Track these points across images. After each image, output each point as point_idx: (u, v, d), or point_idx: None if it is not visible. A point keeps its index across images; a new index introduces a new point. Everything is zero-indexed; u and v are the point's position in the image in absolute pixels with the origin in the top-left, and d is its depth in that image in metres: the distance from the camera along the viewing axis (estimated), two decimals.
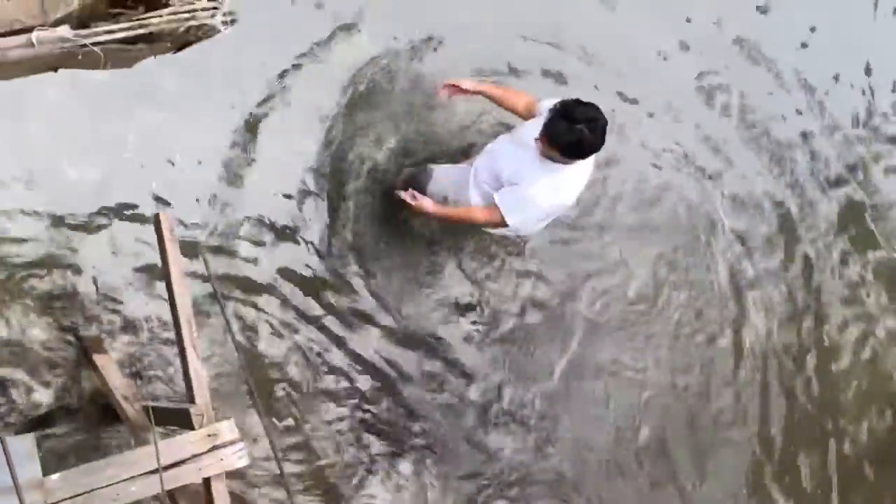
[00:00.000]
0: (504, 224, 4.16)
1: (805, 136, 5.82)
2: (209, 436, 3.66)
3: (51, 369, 4.00)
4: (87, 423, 4.02)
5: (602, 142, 3.92)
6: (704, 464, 5.40)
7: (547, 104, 4.05)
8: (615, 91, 5.28)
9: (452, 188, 4.39)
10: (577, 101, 3.91)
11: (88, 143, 4.16)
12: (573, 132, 3.82)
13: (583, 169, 4.11)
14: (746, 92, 5.68)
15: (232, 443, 3.70)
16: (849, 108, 5.95)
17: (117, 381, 3.97)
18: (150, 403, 3.81)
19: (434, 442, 4.84)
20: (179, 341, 3.83)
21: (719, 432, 5.47)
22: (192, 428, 3.67)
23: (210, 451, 3.64)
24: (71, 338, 4.08)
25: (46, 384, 3.95)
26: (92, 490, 3.37)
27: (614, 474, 5.23)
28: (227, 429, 3.72)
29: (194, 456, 3.60)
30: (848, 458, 5.72)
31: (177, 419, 3.78)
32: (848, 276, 5.83)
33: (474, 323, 4.98)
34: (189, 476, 3.60)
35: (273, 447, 3.61)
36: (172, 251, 3.85)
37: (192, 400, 3.77)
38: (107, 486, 3.41)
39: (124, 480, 3.46)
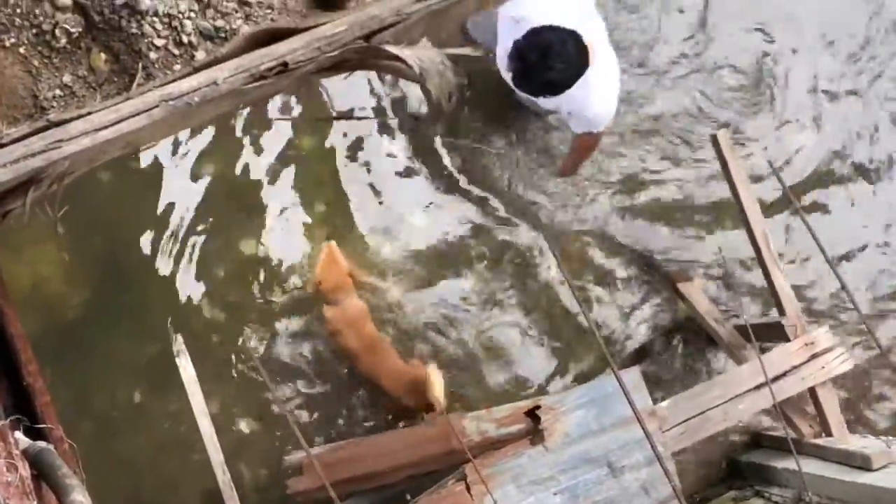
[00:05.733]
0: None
1: None
2: (806, 345, 3.61)
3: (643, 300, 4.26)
4: (682, 349, 4.18)
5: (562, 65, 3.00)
6: None
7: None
8: None
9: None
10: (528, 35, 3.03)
11: None
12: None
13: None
14: None
15: (831, 349, 3.61)
16: None
17: (706, 306, 4.07)
18: (741, 322, 3.83)
19: None
20: (760, 258, 3.81)
21: None
22: (786, 340, 3.64)
23: (810, 359, 3.60)
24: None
25: (641, 321, 4.21)
26: (702, 412, 3.52)
27: None
28: (823, 336, 3.64)
29: (794, 367, 3.58)
30: None
31: (768, 333, 3.77)
32: None
33: None
34: (793, 387, 3.57)
35: None
36: (737, 169, 3.84)
37: (781, 312, 3.74)
38: (714, 406, 3.53)
39: (731, 399, 3.55)
